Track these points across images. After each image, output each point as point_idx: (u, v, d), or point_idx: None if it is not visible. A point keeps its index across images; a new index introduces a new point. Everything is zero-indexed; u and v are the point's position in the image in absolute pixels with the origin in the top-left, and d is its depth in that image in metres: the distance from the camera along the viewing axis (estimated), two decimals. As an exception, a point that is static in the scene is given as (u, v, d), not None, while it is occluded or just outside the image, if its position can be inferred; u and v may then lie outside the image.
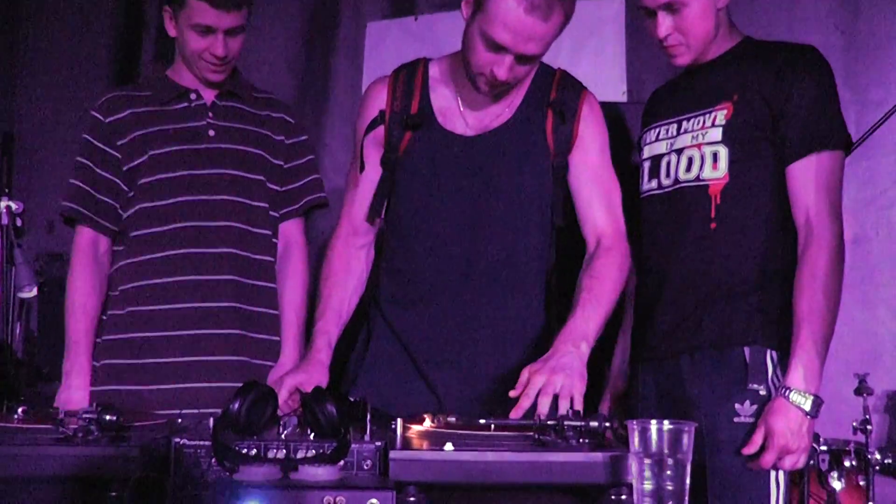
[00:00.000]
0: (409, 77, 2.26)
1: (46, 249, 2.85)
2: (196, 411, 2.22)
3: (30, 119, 3.53)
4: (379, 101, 2.25)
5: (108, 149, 2.43)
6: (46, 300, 2.69)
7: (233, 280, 2.38)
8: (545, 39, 2.03)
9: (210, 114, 2.44)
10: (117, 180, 2.43)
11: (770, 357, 2.10)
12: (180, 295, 2.36)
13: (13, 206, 2.85)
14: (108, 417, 1.59)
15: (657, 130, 2.28)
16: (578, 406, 1.83)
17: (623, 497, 1.55)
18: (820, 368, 2.00)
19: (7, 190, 2.92)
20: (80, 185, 2.44)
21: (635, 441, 1.51)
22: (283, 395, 2.00)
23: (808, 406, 1.98)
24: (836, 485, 2.34)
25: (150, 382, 2.34)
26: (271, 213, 2.48)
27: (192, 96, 2.45)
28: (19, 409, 1.78)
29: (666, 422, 1.51)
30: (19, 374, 2.93)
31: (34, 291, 2.81)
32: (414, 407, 2.06)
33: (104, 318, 2.44)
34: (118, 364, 2.38)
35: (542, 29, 1.99)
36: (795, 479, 2.29)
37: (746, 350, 2.09)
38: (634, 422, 1.52)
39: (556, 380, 1.86)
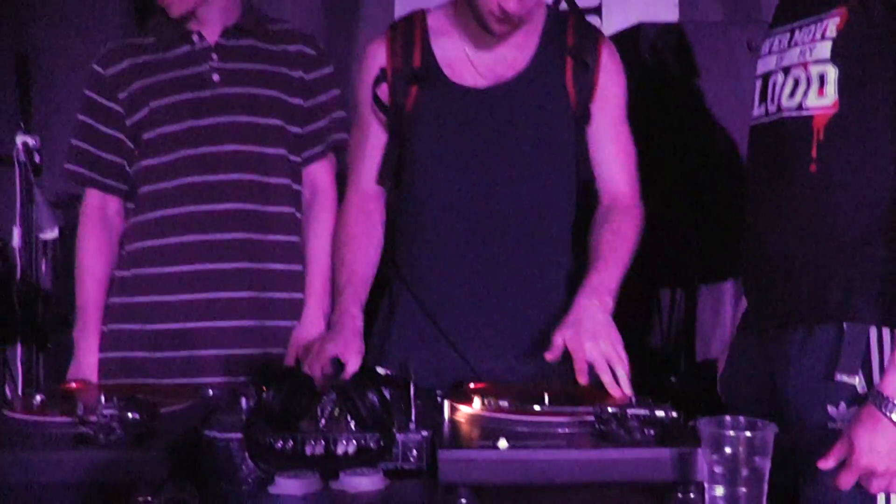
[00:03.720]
0: (408, 30, 2.09)
1: (67, 190, 2.69)
2: (220, 380, 2.11)
3: (48, 44, 3.26)
4: (379, 60, 2.09)
5: (110, 104, 2.24)
6: (69, 244, 2.54)
7: (244, 238, 2.20)
8: None
9: (214, 56, 2.22)
10: (122, 136, 2.24)
11: (878, 338, 1.66)
12: (186, 256, 2.19)
13: (30, 141, 2.71)
14: (130, 416, 1.44)
15: (772, 41, 1.86)
16: (626, 371, 1.77)
17: (692, 496, 1.42)
18: None
19: (24, 123, 2.75)
20: (83, 144, 2.26)
21: (707, 443, 1.35)
22: (318, 366, 1.86)
23: None
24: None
25: (157, 350, 2.19)
26: (291, 158, 2.26)
27: (195, 38, 2.22)
28: (37, 397, 1.65)
29: (742, 423, 1.36)
30: (46, 316, 2.80)
31: (55, 232, 2.69)
32: (446, 375, 1.97)
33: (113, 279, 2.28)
34: (124, 330, 2.23)
35: None
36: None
37: (845, 326, 1.68)
38: (705, 422, 1.37)
39: (601, 348, 1.79)
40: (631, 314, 2.15)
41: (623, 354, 1.80)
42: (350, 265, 2.08)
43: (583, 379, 1.79)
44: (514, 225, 2.03)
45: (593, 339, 1.81)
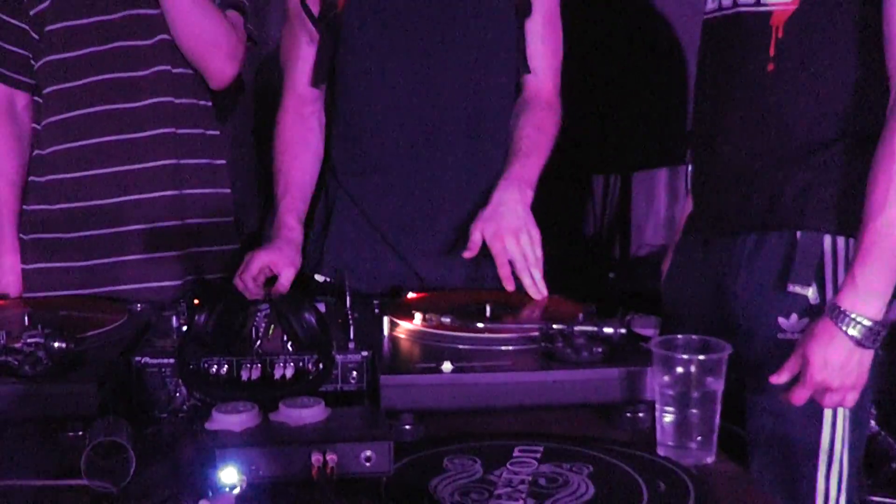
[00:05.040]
0: None
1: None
2: (145, 286, 2.01)
3: None
4: None
5: None
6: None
7: (168, 133, 2.06)
8: None
9: None
10: (25, 26, 2.06)
11: (832, 247, 1.59)
12: (104, 158, 2.04)
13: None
14: (57, 345, 1.35)
15: None
16: (539, 272, 1.78)
17: (641, 415, 1.40)
18: (889, 283, 1.47)
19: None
20: None
21: (657, 367, 1.31)
22: (249, 276, 1.78)
23: (858, 332, 1.46)
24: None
25: (81, 259, 2.06)
26: None
27: None
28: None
29: (695, 342, 1.32)
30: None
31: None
32: (387, 280, 1.94)
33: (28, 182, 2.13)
34: (45, 239, 2.09)
35: None
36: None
37: (798, 235, 1.61)
38: (656, 342, 1.32)
39: (520, 245, 1.78)
40: (565, 202, 2.10)
41: (539, 254, 1.79)
42: (286, 174, 1.98)
43: (509, 285, 1.78)
44: (457, 125, 1.94)
45: (513, 234, 1.78)
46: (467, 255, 1.80)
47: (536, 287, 1.77)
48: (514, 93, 2.01)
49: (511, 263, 1.78)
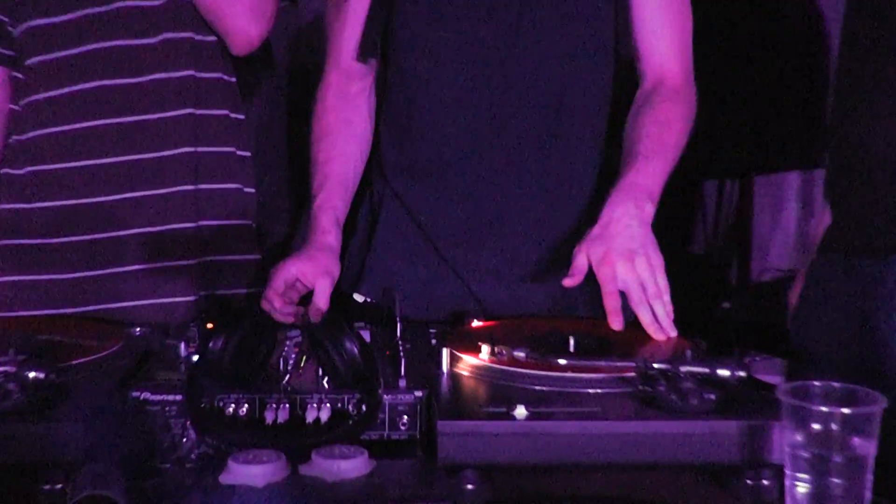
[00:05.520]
0: None
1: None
2: (147, 303, 2.03)
3: None
4: None
5: None
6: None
7: (184, 115, 2.09)
8: None
9: None
10: None
11: None
12: (100, 145, 2.07)
13: None
14: (33, 375, 1.36)
15: None
16: (667, 307, 1.72)
17: (765, 482, 1.37)
18: None
19: None
20: None
21: (788, 421, 1.29)
22: (274, 293, 1.80)
23: None
24: None
25: (67, 270, 2.09)
26: None
27: None
28: None
29: (837, 391, 1.30)
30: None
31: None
32: (443, 303, 1.96)
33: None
34: (22, 245, 2.12)
35: None
36: None
37: None
38: (787, 389, 1.30)
39: (637, 272, 1.73)
40: (668, 213, 2.09)
41: (664, 283, 1.75)
42: (324, 164, 2.00)
43: (616, 321, 1.74)
44: (534, 116, 1.95)
45: (627, 258, 1.74)
46: (568, 282, 1.77)
47: (658, 324, 1.73)
48: (606, 81, 2.03)
49: (624, 294, 1.75)
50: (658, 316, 1.72)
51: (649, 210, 1.82)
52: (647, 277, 1.74)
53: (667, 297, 1.73)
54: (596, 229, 1.80)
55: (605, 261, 1.75)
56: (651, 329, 1.73)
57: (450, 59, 1.95)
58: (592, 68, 2.00)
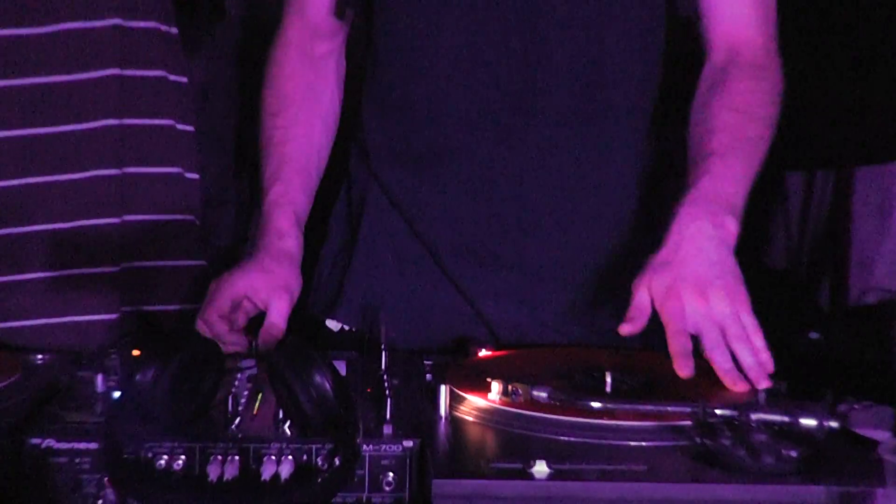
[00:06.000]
0: None
1: None
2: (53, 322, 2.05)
3: None
4: None
5: None
6: None
7: (109, 76, 2.12)
8: None
9: None
10: None
11: None
12: None
13: None
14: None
15: None
16: (761, 355, 1.68)
17: (863, 563, 1.38)
18: None
19: None
20: None
21: (893, 481, 1.30)
22: (215, 313, 1.82)
23: None
24: None
25: None
26: None
27: None
28: None
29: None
30: None
31: None
32: (445, 327, 1.98)
33: None
34: None
35: None
36: None
37: None
38: (892, 445, 1.31)
39: (716, 309, 1.70)
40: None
41: (751, 321, 1.71)
42: (280, 146, 2.02)
43: (683, 367, 1.68)
44: (562, 93, 1.97)
45: (699, 291, 1.72)
46: (626, 329, 1.73)
47: (737, 374, 1.68)
48: (657, 59, 2.05)
49: (695, 336, 1.72)
50: (744, 365, 1.68)
51: (731, 227, 1.80)
52: (727, 314, 1.71)
53: (759, 341, 1.70)
54: (662, 253, 1.78)
55: (671, 294, 1.73)
56: (728, 379, 1.68)
57: (456, 18, 1.95)
58: (634, 39, 2.00)
